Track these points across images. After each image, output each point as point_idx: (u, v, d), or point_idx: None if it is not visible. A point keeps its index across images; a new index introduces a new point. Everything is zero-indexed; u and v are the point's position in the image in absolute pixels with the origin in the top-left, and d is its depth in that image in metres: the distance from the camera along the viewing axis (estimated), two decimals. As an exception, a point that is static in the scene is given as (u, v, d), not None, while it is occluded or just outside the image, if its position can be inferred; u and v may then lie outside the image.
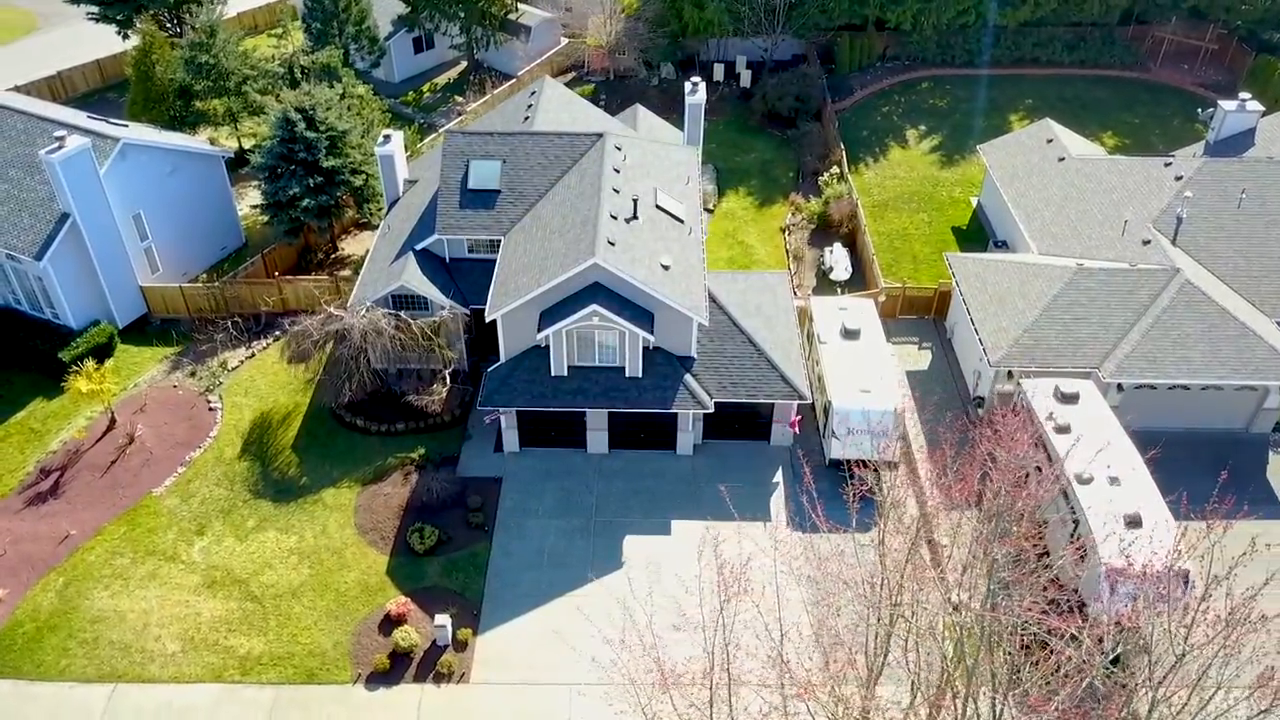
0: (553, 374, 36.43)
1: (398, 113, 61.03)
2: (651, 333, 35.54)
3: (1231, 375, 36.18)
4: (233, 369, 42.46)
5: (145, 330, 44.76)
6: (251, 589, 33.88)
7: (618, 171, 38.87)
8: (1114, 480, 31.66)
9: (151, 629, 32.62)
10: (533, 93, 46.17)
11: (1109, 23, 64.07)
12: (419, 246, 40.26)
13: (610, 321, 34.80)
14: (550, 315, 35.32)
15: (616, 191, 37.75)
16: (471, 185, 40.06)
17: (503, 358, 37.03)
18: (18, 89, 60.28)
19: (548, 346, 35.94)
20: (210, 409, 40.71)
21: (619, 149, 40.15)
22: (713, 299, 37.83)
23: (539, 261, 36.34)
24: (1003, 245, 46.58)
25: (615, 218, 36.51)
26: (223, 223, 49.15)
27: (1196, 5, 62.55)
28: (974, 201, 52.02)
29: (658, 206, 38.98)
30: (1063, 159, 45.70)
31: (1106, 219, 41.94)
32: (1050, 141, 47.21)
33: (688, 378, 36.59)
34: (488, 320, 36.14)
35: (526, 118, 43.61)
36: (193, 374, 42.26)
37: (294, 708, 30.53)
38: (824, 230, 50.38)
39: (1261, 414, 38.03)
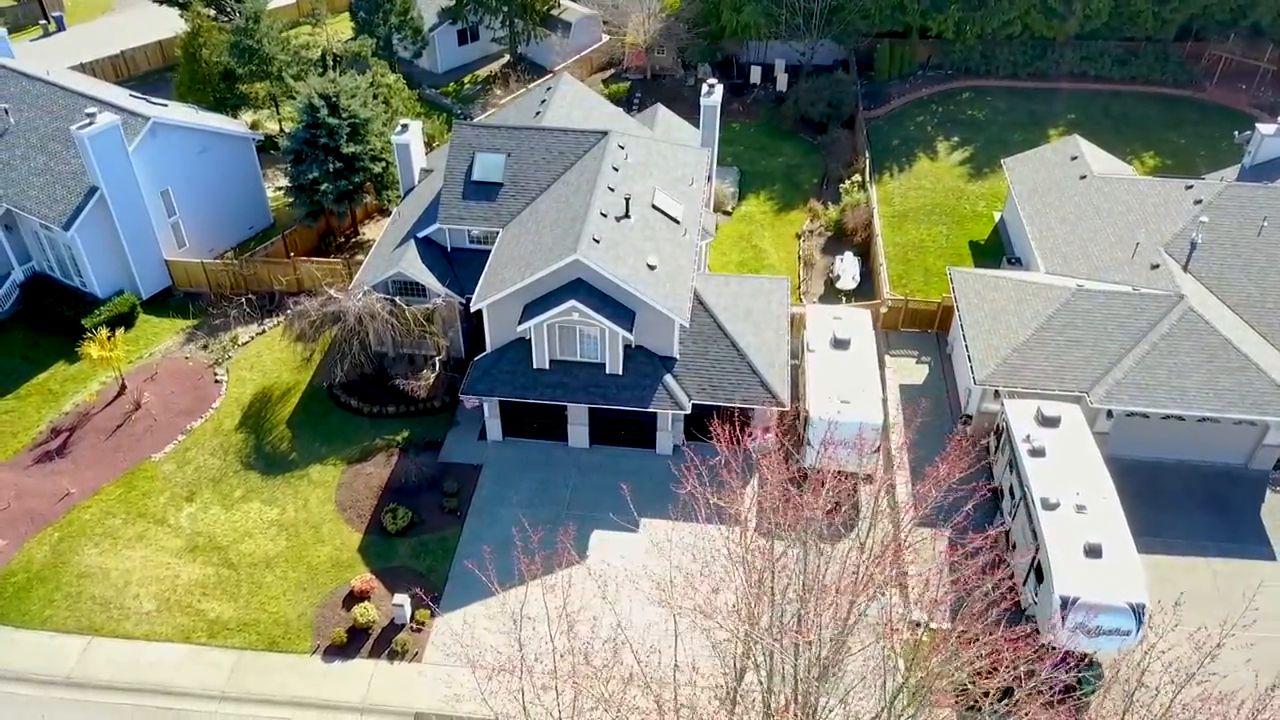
0: (534, 367, 37.01)
1: (435, 103, 62.28)
2: (632, 331, 35.85)
3: (1227, 408, 34.97)
4: (242, 344, 44.03)
5: (168, 302, 46.64)
6: (230, 556, 35.21)
7: (616, 170, 39.19)
8: (1081, 508, 30.97)
9: (132, 587, 34.16)
10: (548, 88, 46.76)
11: (1164, 38, 62.06)
12: (421, 234, 41.16)
13: (589, 318, 35.20)
14: (533, 308, 35.88)
15: (612, 190, 38.09)
16: (475, 177, 40.79)
17: (489, 348, 37.73)
18: (83, 66, 63.21)
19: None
20: (216, 381, 42.30)
21: (622, 148, 40.45)
22: (699, 300, 37.97)
23: (527, 255, 36.91)
24: (1016, 262, 45.63)
25: (605, 215, 36.86)
26: (251, 203, 50.86)
27: (1258, 23, 60.23)
28: (997, 216, 51.02)
29: (653, 206, 39.21)
30: (1084, 177, 44.58)
31: (1119, 240, 40.83)
32: (1074, 158, 46.09)
33: (668, 378, 36.80)
34: (472, 310, 36.89)
35: (538, 113, 44.16)
36: (205, 347, 43.93)
37: (252, 672, 31.69)
38: (840, 238, 50.00)
39: (1261, 450, 36.65)
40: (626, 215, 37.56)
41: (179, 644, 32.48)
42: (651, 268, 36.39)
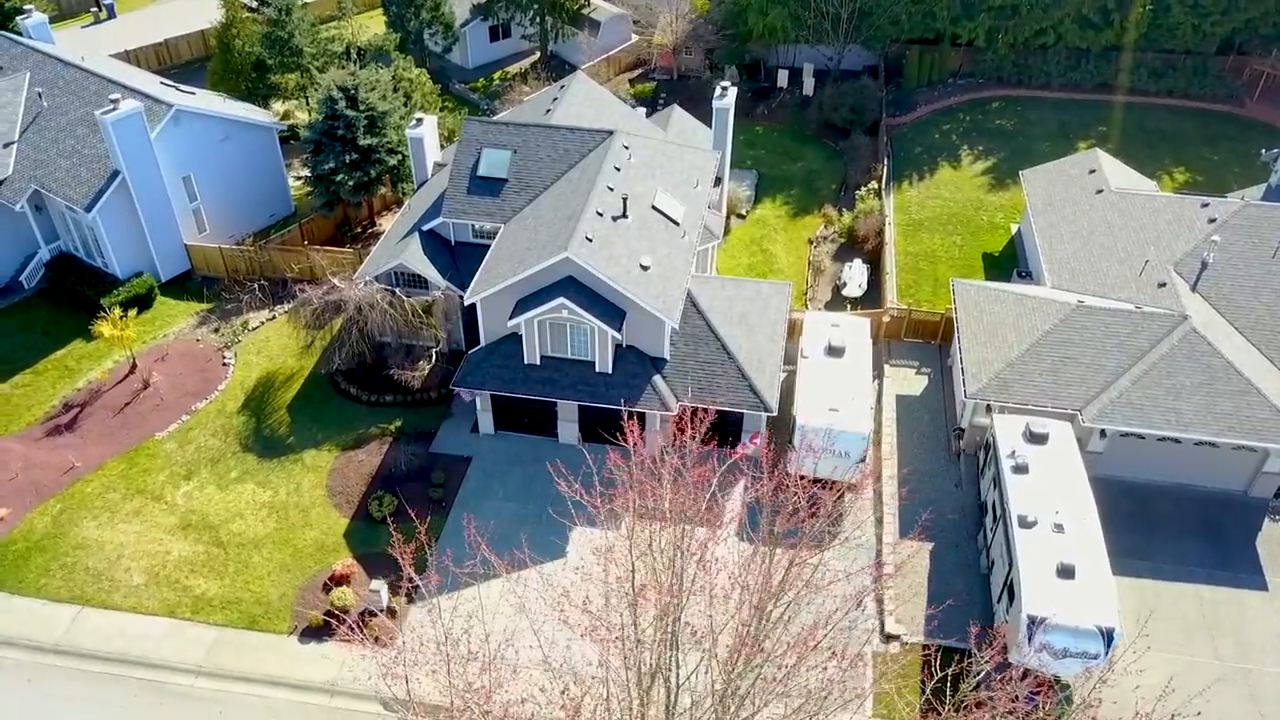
0: (525, 362, 37.34)
1: (464, 98, 63.00)
2: (622, 331, 36.01)
3: (1223, 433, 34.13)
4: (252, 329, 45.04)
5: (186, 285, 47.85)
6: (220, 535, 36.07)
7: (618, 170, 39.36)
8: (1059, 527, 30.45)
9: (124, 561, 35.17)
10: (562, 86, 47.07)
11: (1204, 52, 60.53)
12: (426, 227, 41.76)
13: (578, 316, 35.44)
14: (524, 304, 36.22)
15: (611, 189, 38.28)
16: (481, 172, 41.22)
17: (482, 341, 38.17)
18: (127, 54, 65.00)
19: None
20: (224, 364, 43.33)
21: (626, 148, 40.61)
22: (693, 303, 38.00)
23: (522, 252, 37.27)
24: (1027, 276, 44.88)
25: (601, 215, 37.07)
26: (272, 191, 51.94)
27: (1302, 38, 58.57)
28: (1014, 229, 50.23)
29: (653, 207, 39.32)
30: (1101, 191, 43.75)
31: (1128, 257, 40.02)
32: (1093, 172, 45.23)
33: (656, 378, 36.92)
34: (466, 304, 37.34)
35: (548, 110, 44.50)
36: (216, 330, 45.02)
37: (230, 649, 32.49)
38: (852, 245, 49.59)
39: (1261, 477, 35.68)
40: (624, 215, 37.72)
41: (163, 618, 33.38)
42: (644, 268, 36.51)
